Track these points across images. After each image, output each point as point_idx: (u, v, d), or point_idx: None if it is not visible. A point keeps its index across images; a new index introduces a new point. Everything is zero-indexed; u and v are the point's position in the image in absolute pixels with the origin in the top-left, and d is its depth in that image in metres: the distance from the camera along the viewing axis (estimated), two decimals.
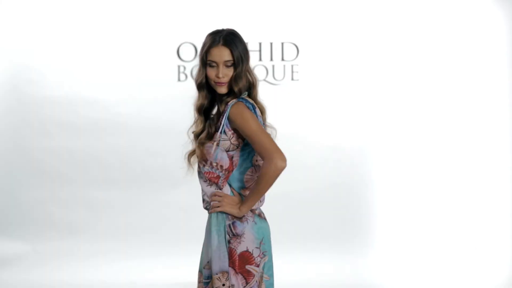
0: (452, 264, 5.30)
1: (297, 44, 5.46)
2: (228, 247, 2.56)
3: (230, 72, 2.60)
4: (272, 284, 2.67)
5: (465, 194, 5.44)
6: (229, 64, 2.59)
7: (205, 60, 2.62)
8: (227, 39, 2.61)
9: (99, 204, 5.42)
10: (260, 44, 5.43)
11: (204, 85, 2.66)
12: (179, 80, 5.42)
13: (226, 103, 2.60)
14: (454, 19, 5.43)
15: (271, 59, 5.45)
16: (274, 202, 5.49)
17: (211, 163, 2.62)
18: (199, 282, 2.70)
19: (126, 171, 5.42)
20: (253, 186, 2.57)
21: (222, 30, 2.65)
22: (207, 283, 2.63)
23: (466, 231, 5.40)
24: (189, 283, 4.75)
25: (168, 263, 5.22)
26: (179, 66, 5.42)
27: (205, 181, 2.65)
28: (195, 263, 3.90)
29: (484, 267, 5.27)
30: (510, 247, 5.38)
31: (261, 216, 2.67)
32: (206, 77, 2.63)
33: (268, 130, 2.69)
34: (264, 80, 5.43)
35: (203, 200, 2.69)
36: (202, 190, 2.68)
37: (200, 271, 2.70)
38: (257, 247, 2.60)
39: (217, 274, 2.57)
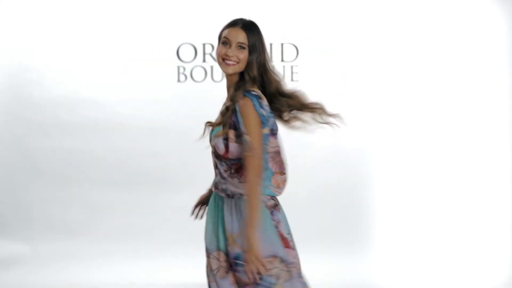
0: (452, 264, 5.30)
1: (296, 45, 5.46)
2: (278, 231, 2.64)
3: (242, 54, 2.62)
4: None
5: (465, 194, 5.44)
6: (243, 46, 2.62)
7: (220, 38, 2.67)
8: (247, 24, 2.66)
9: (98, 205, 5.41)
10: None
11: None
12: (178, 80, 5.42)
13: (235, 98, 2.61)
14: (454, 19, 5.43)
15: (271, 60, 5.44)
16: None
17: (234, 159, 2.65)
18: (222, 261, 2.72)
19: (126, 172, 5.42)
20: (248, 207, 2.57)
21: (245, 18, 2.70)
22: (242, 265, 2.61)
23: (466, 231, 5.40)
24: (190, 284, 4.75)
25: (168, 264, 5.21)
26: (178, 67, 5.43)
27: (228, 170, 2.67)
28: (196, 264, 3.90)
29: (484, 267, 5.27)
30: (510, 247, 5.38)
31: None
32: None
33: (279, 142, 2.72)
34: None
35: (221, 188, 2.71)
36: (220, 176, 2.70)
37: (220, 250, 2.72)
38: (288, 233, 2.71)
39: (267, 258, 2.60)
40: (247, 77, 2.62)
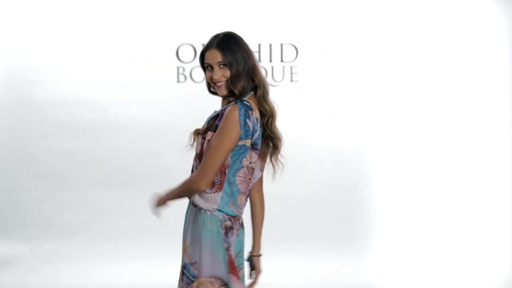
0: (452, 264, 5.30)
1: (296, 46, 5.46)
2: (228, 254, 2.58)
3: (226, 72, 2.62)
4: None
5: (465, 194, 5.44)
6: (222, 65, 2.62)
7: (203, 65, 2.70)
8: (220, 42, 2.65)
9: (98, 206, 5.41)
10: (259, 45, 5.43)
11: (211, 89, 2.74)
12: (178, 81, 5.43)
13: (227, 103, 2.64)
14: (454, 19, 5.44)
15: (270, 60, 5.45)
16: (274, 203, 5.50)
17: None
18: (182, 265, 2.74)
19: (125, 172, 5.42)
20: (178, 184, 2.66)
21: (219, 34, 2.70)
22: (192, 281, 2.61)
23: (466, 231, 5.41)
24: None
25: (168, 264, 5.21)
26: (178, 68, 5.43)
27: None
28: None
29: (484, 267, 5.27)
30: (510, 247, 5.39)
31: (242, 226, 2.71)
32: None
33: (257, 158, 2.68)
34: None
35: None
36: None
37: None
38: (236, 256, 2.65)
39: (209, 278, 2.58)
40: (235, 91, 2.61)
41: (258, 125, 2.61)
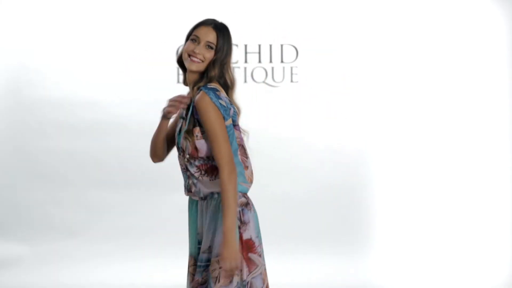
0: (452, 264, 5.30)
1: (296, 46, 5.46)
2: (240, 233, 2.54)
3: (209, 54, 2.62)
4: None
5: (465, 194, 5.43)
6: (211, 46, 2.62)
7: (189, 35, 2.67)
8: (218, 25, 2.67)
9: (98, 206, 5.41)
10: (259, 46, 5.43)
11: (182, 62, 2.70)
12: (178, 81, 5.42)
13: (196, 90, 2.61)
14: (454, 19, 5.43)
15: (270, 61, 5.45)
16: (273, 203, 5.50)
17: (203, 157, 2.62)
18: (190, 265, 2.69)
19: (125, 173, 5.41)
20: (224, 209, 2.50)
21: (217, 20, 2.71)
22: (206, 266, 2.58)
23: (466, 231, 5.40)
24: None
25: (167, 265, 5.21)
26: (178, 68, 5.42)
27: (198, 171, 2.63)
28: None
29: (484, 267, 5.27)
30: (510, 247, 5.38)
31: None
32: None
33: (241, 133, 2.69)
34: (264, 82, 5.43)
35: (194, 190, 2.65)
36: (192, 178, 2.65)
37: (191, 255, 2.70)
38: (257, 236, 2.61)
39: (217, 257, 2.53)
40: (206, 75, 2.61)
41: (228, 101, 2.62)
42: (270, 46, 5.44)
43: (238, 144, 2.62)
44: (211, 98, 2.52)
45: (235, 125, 2.62)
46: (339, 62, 5.44)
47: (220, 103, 2.54)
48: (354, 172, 5.45)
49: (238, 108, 2.68)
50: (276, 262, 4.07)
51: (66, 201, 5.41)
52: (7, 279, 5.13)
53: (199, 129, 2.57)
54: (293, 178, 5.38)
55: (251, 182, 2.65)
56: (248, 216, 2.58)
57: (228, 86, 2.67)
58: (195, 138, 2.58)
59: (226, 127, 2.55)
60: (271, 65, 5.45)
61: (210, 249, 2.58)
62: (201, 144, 2.58)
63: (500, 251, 5.36)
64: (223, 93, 2.61)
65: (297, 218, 5.40)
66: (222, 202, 2.50)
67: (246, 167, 2.64)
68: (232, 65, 2.72)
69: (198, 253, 2.65)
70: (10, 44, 5.38)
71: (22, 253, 5.34)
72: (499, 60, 5.41)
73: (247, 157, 2.65)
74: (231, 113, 2.59)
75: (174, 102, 2.65)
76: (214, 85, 2.60)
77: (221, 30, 2.65)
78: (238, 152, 2.61)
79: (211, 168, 2.59)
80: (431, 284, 5.15)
